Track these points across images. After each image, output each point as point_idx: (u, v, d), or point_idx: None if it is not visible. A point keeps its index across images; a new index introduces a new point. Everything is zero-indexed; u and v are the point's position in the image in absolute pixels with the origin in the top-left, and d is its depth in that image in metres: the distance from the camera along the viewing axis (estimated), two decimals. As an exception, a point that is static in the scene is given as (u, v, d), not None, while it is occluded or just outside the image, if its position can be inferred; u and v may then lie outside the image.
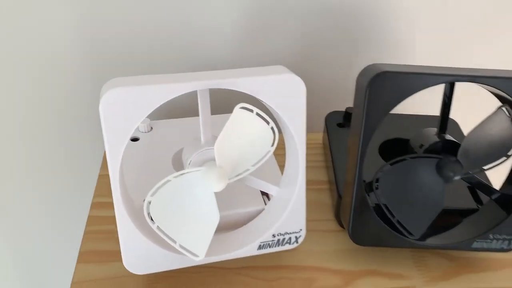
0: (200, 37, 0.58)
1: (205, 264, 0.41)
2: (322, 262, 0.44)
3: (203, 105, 0.38)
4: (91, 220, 0.47)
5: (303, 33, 0.60)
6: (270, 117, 0.37)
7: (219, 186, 0.36)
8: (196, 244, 0.38)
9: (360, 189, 0.41)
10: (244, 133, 0.37)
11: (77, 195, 0.69)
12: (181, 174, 0.37)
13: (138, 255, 0.39)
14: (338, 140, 0.55)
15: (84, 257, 0.44)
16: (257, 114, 0.36)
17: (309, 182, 0.43)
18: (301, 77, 0.37)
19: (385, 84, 0.38)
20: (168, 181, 0.37)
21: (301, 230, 0.42)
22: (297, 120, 0.38)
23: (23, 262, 0.77)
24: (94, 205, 0.49)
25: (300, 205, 0.41)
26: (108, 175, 0.36)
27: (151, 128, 0.52)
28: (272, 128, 0.37)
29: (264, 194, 0.44)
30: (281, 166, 0.44)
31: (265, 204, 0.44)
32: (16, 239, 0.74)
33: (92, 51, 0.57)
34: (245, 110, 0.35)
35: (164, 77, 0.36)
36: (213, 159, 0.37)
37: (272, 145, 0.38)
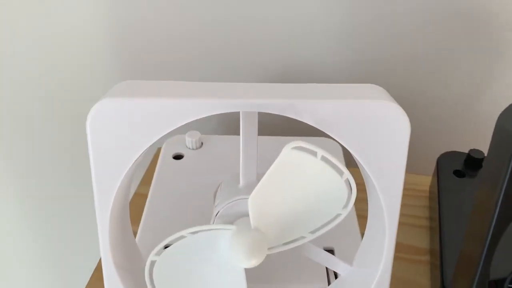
0: (277, 34, 0.45)
1: None
2: None
3: (246, 132, 0.25)
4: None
5: (414, 39, 0.44)
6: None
7: (251, 262, 0.23)
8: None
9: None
10: (299, 186, 0.24)
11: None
12: (201, 231, 0.25)
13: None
14: (453, 193, 0.39)
15: None
16: (323, 158, 0.23)
17: (399, 247, 0.30)
18: (406, 101, 0.23)
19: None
20: (182, 237, 0.25)
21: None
22: (390, 175, 0.24)
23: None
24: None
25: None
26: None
27: (202, 144, 0.41)
28: (347, 182, 0.24)
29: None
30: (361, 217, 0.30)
31: (329, 283, 0.30)
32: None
33: (120, 50, 0.47)
34: (302, 152, 0.22)
35: (193, 87, 0.24)
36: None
37: (345, 206, 0.25)
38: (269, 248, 0.25)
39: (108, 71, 0.48)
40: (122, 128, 0.22)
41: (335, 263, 0.28)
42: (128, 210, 0.28)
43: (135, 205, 0.41)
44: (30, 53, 0.49)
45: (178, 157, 0.40)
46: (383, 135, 0.23)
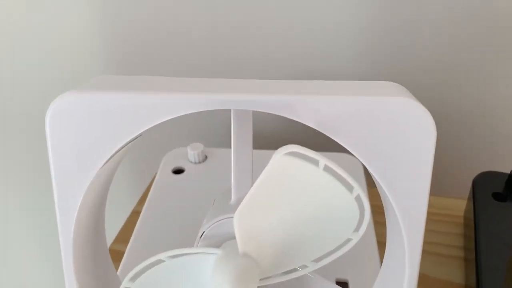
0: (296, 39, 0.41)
1: None
2: None
3: (238, 136, 0.21)
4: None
5: (444, 41, 0.40)
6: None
7: (238, 293, 0.19)
8: None
9: None
10: (297, 202, 0.19)
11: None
12: (181, 255, 0.21)
13: None
14: (492, 219, 0.33)
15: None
16: (327, 168, 0.18)
17: (427, 281, 0.29)
18: (437, 115, 0.19)
19: None
20: (160, 261, 0.21)
21: None
22: (411, 191, 0.19)
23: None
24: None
25: None
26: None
27: (206, 157, 0.37)
28: (358, 200, 0.19)
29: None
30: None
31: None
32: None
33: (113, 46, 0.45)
34: (298, 160, 0.18)
35: (174, 81, 0.20)
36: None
37: (357, 230, 0.20)
38: (262, 279, 0.21)
39: (104, 71, 0.46)
40: (86, 126, 0.19)
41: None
42: (103, 227, 0.24)
43: (132, 224, 0.37)
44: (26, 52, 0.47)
45: (178, 171, 0.36)
46: (403, 140, 0.18)
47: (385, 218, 0.23)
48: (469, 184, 0.37)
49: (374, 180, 0.21)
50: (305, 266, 0.21)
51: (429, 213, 0.39)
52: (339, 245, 0.21)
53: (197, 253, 0.21)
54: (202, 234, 0.22)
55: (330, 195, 0.19)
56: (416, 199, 0.19)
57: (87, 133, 0.19)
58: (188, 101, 0.18)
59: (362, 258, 0.29)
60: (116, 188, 0.51)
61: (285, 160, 0.18)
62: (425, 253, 0.35)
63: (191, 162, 0.37)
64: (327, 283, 0.23)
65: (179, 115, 0.18)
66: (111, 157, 0.19)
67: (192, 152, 0.36)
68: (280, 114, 0.18)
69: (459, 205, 0.38)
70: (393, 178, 0.19)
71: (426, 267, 0.33)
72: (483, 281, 0.29)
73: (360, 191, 0.19)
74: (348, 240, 0.21)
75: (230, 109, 0.23)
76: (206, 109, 0.18)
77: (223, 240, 0.21)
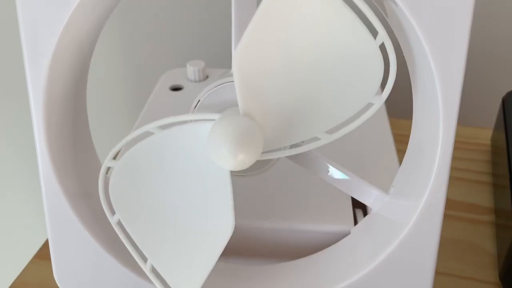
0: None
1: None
2: None
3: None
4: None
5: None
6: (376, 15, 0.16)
7: (237, 158, 0.16)
8: (185, 272, 0.18)
9: None
10: (307, 41, 0.16)
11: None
12: (173, 124, 0.18)
13: (79, 270, 0.20)
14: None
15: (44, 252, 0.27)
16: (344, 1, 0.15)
17: (455, 205, 0.27)
18: None
19: None
20: (148, 134, 0.18)
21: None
22: (448, 32, 0.16)
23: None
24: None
25: (425, 238, 0.19)
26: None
27: (206, 77, 0.34)
28: (383, 47, 0.16)
29: (358, 204, 0.22)
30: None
31: (355, 223, 0.22)
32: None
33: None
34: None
35: None
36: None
37: (379, 92, 0.17)
38: (266, 152, 0.17)
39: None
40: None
41: (364, 190, 0.20)
42: (84, 102, 0.21)
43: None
44: None
45: (176, 89, 0.33)
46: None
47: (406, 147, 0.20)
48: (495, 113, 0.34)
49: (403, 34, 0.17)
50: (317, 139, 0.18)
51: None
52: (358, 113, 0.17)
53: (192, 120, 0.18)
54: (197, 104, 0.19)
55: (348, 38, 0.16)
56: (454, 43, 0.16)
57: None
58: None
59: (378, 151, 0.26)
60: (111, 112, 0.48)
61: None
62: (450, 178, 0.32)
63: (191, 80, 0.33)
64: (341, 169, 0.20)
65: None
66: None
67: (192, 68, 0.33)
68: None
69: (486, 133, 0.35)
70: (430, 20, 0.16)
71: (453, 192, 0.30)
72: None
73: (387, 38, 0.16)
74: (369, 105, 0.17)
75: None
76: None
77: (223, 110, 0.18)
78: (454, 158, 0.38)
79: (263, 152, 0.17)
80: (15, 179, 0.57)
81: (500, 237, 0.27)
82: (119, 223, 0.19)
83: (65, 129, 0.20)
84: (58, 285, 0.20)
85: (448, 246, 0.26)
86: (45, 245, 0.27)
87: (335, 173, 0.20)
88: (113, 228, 0.19)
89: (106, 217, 0.19)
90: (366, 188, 0.20)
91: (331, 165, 0.20)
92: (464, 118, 0.40)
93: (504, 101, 0.32)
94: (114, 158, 0.18)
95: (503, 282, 0.24)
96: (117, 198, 0.19)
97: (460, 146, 0.34)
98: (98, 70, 0.46)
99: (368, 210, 0.21)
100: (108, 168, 0.19)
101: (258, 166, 0.19)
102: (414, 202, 0.19)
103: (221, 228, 0.18)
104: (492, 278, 0.25)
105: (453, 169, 0.34)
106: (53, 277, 0.21)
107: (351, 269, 0.19)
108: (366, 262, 0.19)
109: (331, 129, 0.18)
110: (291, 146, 0.18)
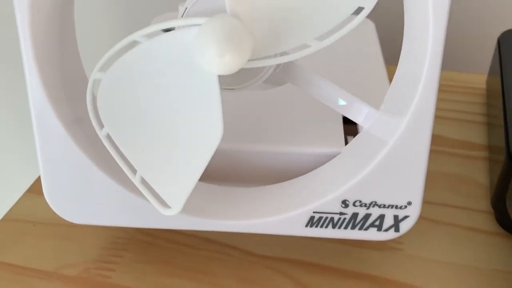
0: None
1: (211, 237, 0.22)
2: (447, 284, 0.21)
3: None
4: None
5: None
6: None
7: (223, 58, 0.16)
8: (174, 181, 0.18)
9: None
10: None
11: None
12: (160, 31, 0.18)
13: (69, 187, 0.20)
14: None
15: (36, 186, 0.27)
16: None
17: (451, 143, 0.28)
18: None
19: None
20: (136, 43, 0.18)
21: (409, 204, 0.19)
22: None
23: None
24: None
25: (412, 152, 0.19)
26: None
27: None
28: None
29: (349, 122, 0.22)
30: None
31: (346, 143, 0.22)
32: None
33: None
34: None
35: None
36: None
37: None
38: (254, 59, 0.17)
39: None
40: None
41: (355, 107, 0.20)
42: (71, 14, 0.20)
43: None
44: None
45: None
46: None
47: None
48: (489, 59, 0.34)
49: None
50: (307, 46, 0.18)
51: (448, 86, 0.36)
52: (347, 18, 0.17)
53: (179, 27, 0.18)
54: (184, 12, 0.19)
55: None
56: None
57: None
58: None
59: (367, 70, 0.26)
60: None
61: None
62: (443, 118, 0.32)
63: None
64: (329, 84, 0.20)
65: None
66: None
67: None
68: None
69: (481, 78, 0.35)
70: None
71: (450, 131, 0.30)
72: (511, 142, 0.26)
73: None
74: (360, 9, 0.17)
75: None
76: None
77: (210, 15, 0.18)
78: (449, 100, 0.37)
79: (251, 60, 0.17)
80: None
81: (493, 169, 0.27)
82: (108, 137, 0.19)
83: (52, 52, 0.19)
84: (48, 202, 0.20)
85: (441, 179, 0.26)
86: (38, 181, 0.27)
87: (325, 90, 0.20)
88: (104, 147, 0.19)
89: (97, 135, 0.19)
90: (357, 105, 0.20)
91: (322, 81, 0.20)
92: (460, 64, 0.40)
93: (499, 41, 0.32)
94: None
95: (494, 209, 0.24)
96: (105, 111, 0.18)
97: (456, 90, 0.34)
98: (86, 15, 0.45)
99: (359, 129, 0.21)
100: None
101: (247, 78, 0.19)
102: (403, 117, 0.19)
103: (210, 135, 0.18)
104: (484, 207, 0.25)
105: (448, 110, 0.34)
106: (45, 209, 0.21)
107: (342, 179, 0.19)
108: (356, 171, 0.19)
109: (321, 36, 0.17)
110: (281, 55, 0.18)
